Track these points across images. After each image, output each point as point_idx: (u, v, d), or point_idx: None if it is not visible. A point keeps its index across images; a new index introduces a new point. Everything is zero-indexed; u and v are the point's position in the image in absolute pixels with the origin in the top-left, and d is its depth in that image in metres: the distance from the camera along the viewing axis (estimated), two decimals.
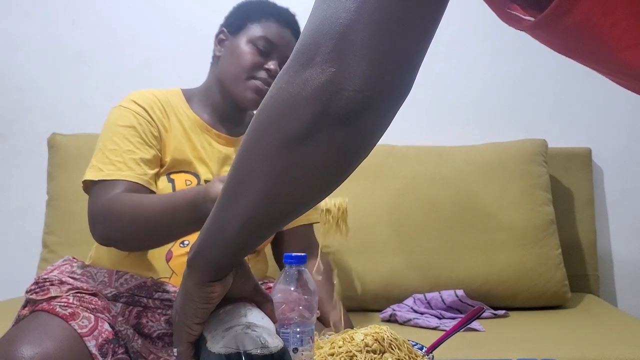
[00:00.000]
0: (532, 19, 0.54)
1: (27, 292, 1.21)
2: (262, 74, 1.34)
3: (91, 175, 1.23)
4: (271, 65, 1.34)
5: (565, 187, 1.99)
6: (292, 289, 0.88)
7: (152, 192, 1.25)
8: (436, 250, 1.77)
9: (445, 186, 1.83)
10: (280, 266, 1.42)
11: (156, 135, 1.29)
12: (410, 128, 2.02)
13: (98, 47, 2.05)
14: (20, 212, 2.04)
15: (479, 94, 2.10)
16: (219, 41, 1.41)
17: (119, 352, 1.12)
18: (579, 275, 1.93)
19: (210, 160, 1.34)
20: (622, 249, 2.06)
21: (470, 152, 1.90)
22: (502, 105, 2.10)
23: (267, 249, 1.50)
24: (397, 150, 1.90)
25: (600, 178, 2.07)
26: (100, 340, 1.09)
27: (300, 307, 0.88)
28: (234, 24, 1.39)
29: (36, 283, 1.21)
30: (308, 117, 0.53)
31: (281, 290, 0.89)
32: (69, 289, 1.18)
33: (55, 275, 1.22)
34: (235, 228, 0.60)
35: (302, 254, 0.90)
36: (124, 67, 2.03)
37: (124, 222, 1.16)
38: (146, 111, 1.29)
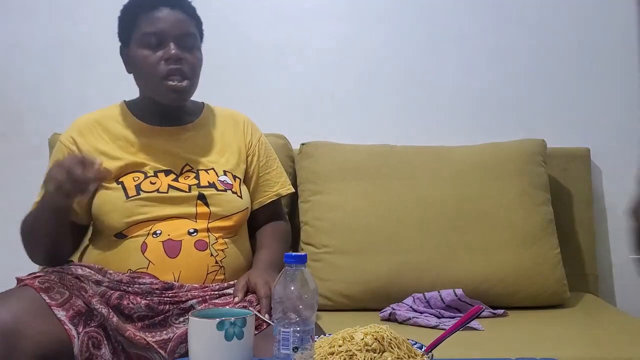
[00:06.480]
0: None
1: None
2: (168, 67, 1.36)
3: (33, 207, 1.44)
4: (170, 51, 1.36)
5: (564, 187, 1.99)
6: (292, 288, 0.89)
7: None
8: (435, 250, 1.78)
9: (445, 186, 1.83)
10: (255, 242, 1.49)
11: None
12: (410, 128, 2.03)
13: (99, 48, 2.05)
14: (21, 212, 2.03)
15: (478, 94, 2.10)
16: (123, 58, 1.46)
17: (92, 324, 1.22)
18: (577, 275, 1.93)
19: (156, 156, 1.42)
20: (621, 249, 2.06)
21: (470, 152, 1.90)
22: (501, 105, 2.10)
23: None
24: (397, 150, 1.90)
25: (599, 178, 2.08)
26: (71, 312, 1.21)
27: (300, 307, 0.89)
28: (122, 37, 1.45)
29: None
30: None
31: (281, 290, 0.90)
32: (53, 271, 1.32)
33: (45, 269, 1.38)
34: None
35: (302, 254, 0.91)
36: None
37: (26, 245, 1.40)
38: (77, 144, 1.43)
